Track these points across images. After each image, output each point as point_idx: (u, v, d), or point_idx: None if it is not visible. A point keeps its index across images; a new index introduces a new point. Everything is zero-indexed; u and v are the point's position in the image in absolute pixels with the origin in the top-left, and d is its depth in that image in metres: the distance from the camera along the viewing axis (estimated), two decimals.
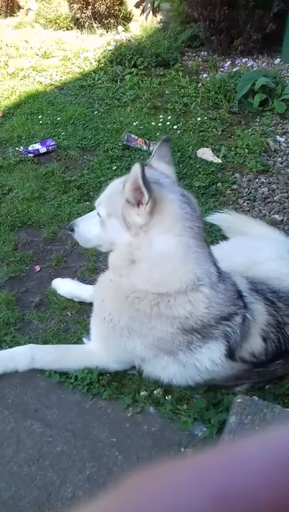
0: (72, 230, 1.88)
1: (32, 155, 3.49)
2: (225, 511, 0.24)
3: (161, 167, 1.74)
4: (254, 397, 1.61)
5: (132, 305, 1.69)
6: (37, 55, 5.51)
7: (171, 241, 1.58)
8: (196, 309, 1.63)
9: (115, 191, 1.68)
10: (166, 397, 1.82)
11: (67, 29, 6.42)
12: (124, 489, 0.28)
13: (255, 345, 1.71)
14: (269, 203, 3.08)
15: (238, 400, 1.54)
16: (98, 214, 1.74)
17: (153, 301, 1.65)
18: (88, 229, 1.82)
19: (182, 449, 1.67)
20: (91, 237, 1.81)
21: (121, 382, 1.90)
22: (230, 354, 1.69)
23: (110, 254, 1.76)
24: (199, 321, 1.65)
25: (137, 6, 6.46)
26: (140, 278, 1.65)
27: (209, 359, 1.70)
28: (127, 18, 6.45)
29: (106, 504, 0.28)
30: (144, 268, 1.63)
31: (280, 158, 3.53)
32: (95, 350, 1.92)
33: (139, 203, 1.56)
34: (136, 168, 1.50)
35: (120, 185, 1.64)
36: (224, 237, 2.64)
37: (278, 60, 4.98)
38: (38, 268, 2.55)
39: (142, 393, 1.83)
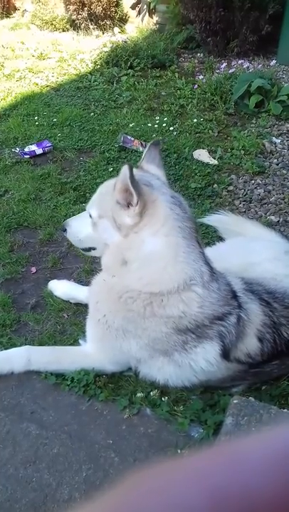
0: (65, 230, 1.89)
1: (28, 156, 3.49)
2: (223, 510, 0.24)
3: (151, 169, 1.77)
4: (250, 398, 1.61)
5: (126, 305, 1.69)
6: (33, 56, 5.51)
7: (161, 241, 1.60)
8: (190, 309, 1.64)
9: (106, 192, 1.70)
10: (163, 399, 1.81)
11: (64, 30, 6.42)
12: (122, 489, 0.28)
13: (250, 345, 1.72)
14: (265, 204, 3.09)
15: (235, 401, 1.54)
16: (90, 215, 1.75)
17: (146, 301, 1.65)
18: (80, 229, 1.82)
19: (179, 451, 1.67)
20: (83, 237, 1.82)
21: (117, 384, 1.90)
22: (226, 354, 1.70)
23: (103, 255, 1.77)
24: (193, 320, 1.65)
25: (133, 7, 6.47)
26: (132, 278, 1.66)
27: (204, 359, 1.70)
28: (123, 20, 6.46)
29: (104, 504, 0.28)
30: (135, 268, 1.65)
31: (276, 160, 3.54)
32: (91, 352, 1.92)
33: (128, 204, 1.58)
34: (124, 169, 1.52)
35: (111, 186, 1.65)
36: (220, 239, 2.64)
37: (274, 61, 4.99)
38: (34, 270, 2.55)
39: (139, 395, 1.83)
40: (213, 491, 0.25)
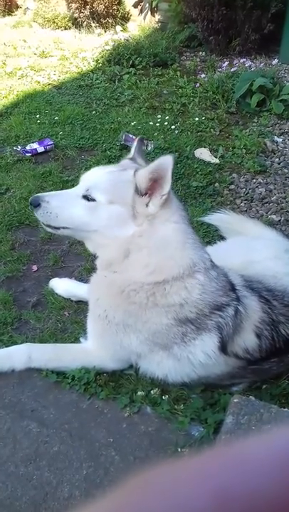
0: (38, 205, 1.74)
1: (29, 154, 3.49)
2: (227, 511, 0.24)
3: (140, 162, 1.83)
4: (251, 397, 1.61)
5: (128, 299, 1.71)
6: (35, 54, 5.50)
7: (172, 228, 1.67)
8: (191, 295, 1.67)
9: (123, 180, 1.67)
10: (163, 397, 1.82)
11: (65, 29, 6.41)
12: (126, 489, 0.28)
13: (248, 340, 1.73)
14: (266, 203, 3.09)
15: (235, 400, 1.54)
16: (88, 197, 1.68)
17: (149, 292, 1.68)
18: (63, 208, 1.72)
19: (179, 449, 1.67)
20: (64, 216, 1.73)
21: (118, 382, 1.90)
22: (223, 347, 1.71)
23: (101, 251, 1.76)
24: (194, 308, 1.67)
25: (135, 5, 6.46)
26: (137, 268, 1.68)
27: (203, 351, 1.71)
28: (125, 18, 6.45)
29: (108, 504, 0.28)
30: (143, 255, 1.67)
31: (277, 159, 3.54)
32: (92, 349, 1.92)
33: (147, 193, 1.62)
34: (168, 160, 1.56)
35: (124, 173, 1.68)
36: (221, 237, 2.64)
37: (276, 60, 4.99)
38: (35, 268, 2.55)
39: (139, 393, 1.83)
40: (217, 492, 0.25)
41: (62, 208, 1.73)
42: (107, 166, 1.82)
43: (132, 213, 1.63)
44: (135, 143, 1.93)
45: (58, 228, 1.78)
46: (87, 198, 1.68)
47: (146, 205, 1.63)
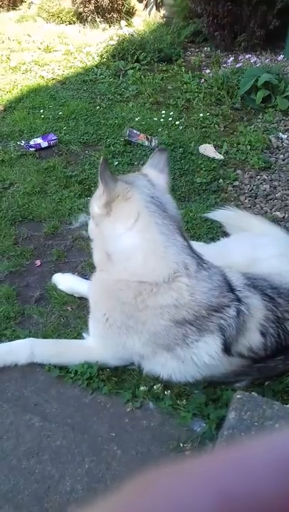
0: None
1: (33, 149, 3.48)
2: None
3: (151, 174, 1.82)
4: (253, 393, 1.61)
5: (119, 299, 1.71)
6: (39, 49, 5.49)
7: (137, 236, 1.67)
8: (183, 297, 1.65)
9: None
10: (166, 393, 1.82)
11: (70, 23, 6.39)
12: (129, 490, 0.28)
13: (253, 340, 1.71)
14: (271, 200, 3.07)
15: (238, 396, 1.54)
16: None
17: (135, 290, 1.67)
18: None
19: (181, 445, 1.67)
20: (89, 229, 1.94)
21: (121, 377, 1.90)
22: (227, 348, 1.70)
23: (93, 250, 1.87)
24: (189, 309, 1.66)
25: (140, 0, 6.43)
26: (117, 269, 1.71)
27: (207, 353, 1.70)
28: (130, 13, 6.42)
29: (113, 505, 0.28)
30: (116, 261, 1.72)
31: (282, 155, 3.52)
32: (95, 346, 1.92)
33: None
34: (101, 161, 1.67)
35: None
36: (225, 234, 2.64)
37: (281, 56, 4.95)
38: (38, 263, 2.55)
39: (142, 388, 1.84)
40: (220, 494, 0.25)
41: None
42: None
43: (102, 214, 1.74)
44: (152, 155, 1.92)
45: None
46: None
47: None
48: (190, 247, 1.73)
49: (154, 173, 1.83)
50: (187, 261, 1.67)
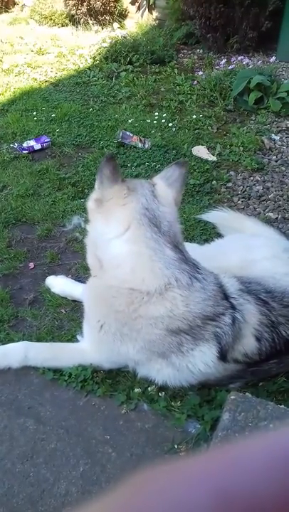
0: None
1: (26, 152, 3.48)
2: (228, 510, 0.24)
3: (159, 185, 1.76)
4: (247, 394, 1.61)
5: (112, 306, 1.69)
6: (32, 51, 5.48)
7: (126, 247, 1.64)
8: (178, 308, 1.63)
9: None
10: (160, 394, 1.82)
11: (63, 26, 6.38)
12: (125, 489, 0.28)
13: (248, 345, 1.70)
14: (264, 201, 3.09)
15: (232, 397, 1.54)
16: None
17: (128, 298, 1.65)
18: None
19: (176, 446, 1.67)
20: None
21: (115, 380, 1.90)
22: (223, 356, 1.69)
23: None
24: (184, 319, 1.64)
25: (133, 3, 6.44)
26: (109, 275, 1.69)
27: (202, 362, 1.69)
28: (123, 15, 6.43)
29: (108, 504, 0.28)
30: (106, 267, 1.69)
31: (274, 157, 3.54)
32: (88, 350, 1.91)
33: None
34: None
35: None
36: (219, 235, 2.64)
37: (274, 58, 4.98)
38: (32, 265, 2.54)
39: (136, 390, 1.83)
40: (217, 492, 0.25)
41: None
42: None
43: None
44: (170, 166, 1.84)
45: None
46: None
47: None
48: (183, 260, 1.67)
49: (162, 185, 1.76)
50: (177, 275, 1.63)
